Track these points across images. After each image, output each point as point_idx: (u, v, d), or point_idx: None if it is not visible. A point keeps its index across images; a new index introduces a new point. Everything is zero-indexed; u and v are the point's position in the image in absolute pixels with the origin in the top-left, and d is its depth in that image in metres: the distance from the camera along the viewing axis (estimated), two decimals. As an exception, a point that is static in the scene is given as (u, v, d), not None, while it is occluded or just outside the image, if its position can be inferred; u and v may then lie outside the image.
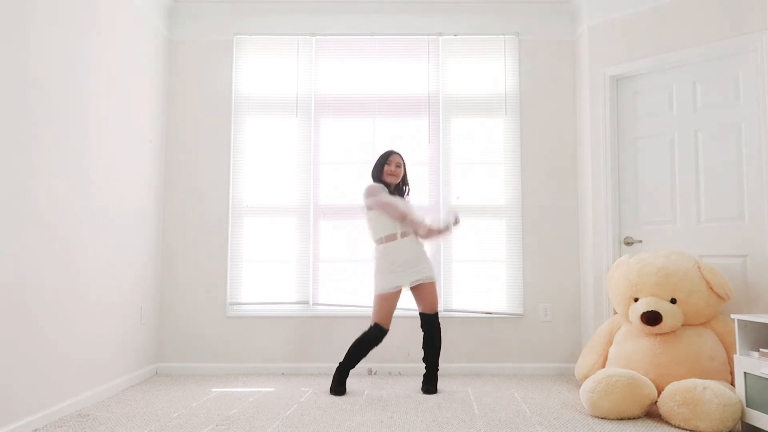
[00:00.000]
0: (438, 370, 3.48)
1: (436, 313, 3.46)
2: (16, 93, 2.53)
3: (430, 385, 3.41)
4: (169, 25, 4.19)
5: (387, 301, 3.38)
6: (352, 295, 4.02)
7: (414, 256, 3.43)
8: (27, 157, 2.61)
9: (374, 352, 3.72)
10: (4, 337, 2.45)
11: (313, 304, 4.07)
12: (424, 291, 3.44)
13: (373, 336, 3.37)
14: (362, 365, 3.91)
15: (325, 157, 4.18)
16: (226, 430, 2.65)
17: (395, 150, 3.64)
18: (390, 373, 3.94)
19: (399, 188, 3.61)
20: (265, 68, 4.24)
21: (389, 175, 3.54)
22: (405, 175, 3.65)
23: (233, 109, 4.18)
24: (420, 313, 3.46)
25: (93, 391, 3.13)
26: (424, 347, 3.46)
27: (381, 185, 3.51)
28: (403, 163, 3.61)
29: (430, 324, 3.44)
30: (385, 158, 3.57)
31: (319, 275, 4.10)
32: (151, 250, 3.90)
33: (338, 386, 3.38)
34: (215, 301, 4.06)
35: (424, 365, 3.48)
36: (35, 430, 2.62)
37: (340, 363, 3.43)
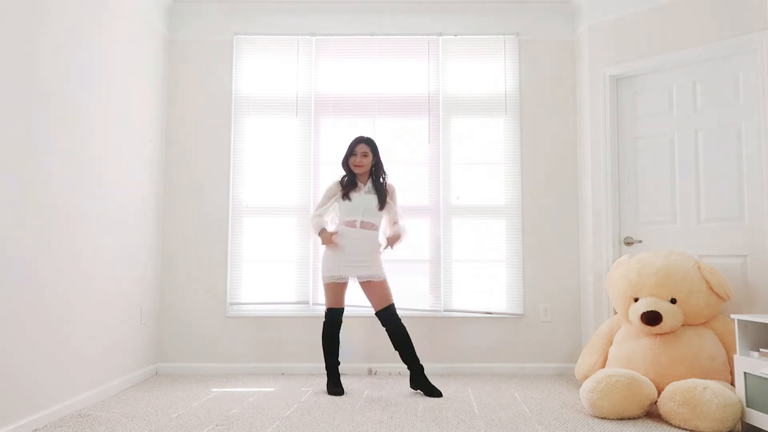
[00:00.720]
0: (422, 367, 3.40)
1: (390, 306, 3.38)
2: (24, 94, 2.54)
3: (431, 387, 3.35)
4: (169, 25, 4.19)
5: (332, 290, 3.44)
6: (352, 295, 4.00)
7: (360, 253, 3.40)
8: (39, 158, 2.62)
9: (374, 353, 3.73)
10: (4, 338, 2.45)
11: (313, 304, 4.07)
12: (369, 287, 3.41)
13: (329, 320, 3.41)
14: (362, 365, 3.92)
15: (325, 157, 4.17)
16: (226, 430, 2.65)
17: (364, 137, 3.55)
18: (390, 373, 3.94)
19: (373, 179, 3.52)
20: (265, 68, 4.23)
21: (354, 166, 3.49)
22: (378, 163, 3.54)
23: (233, 109, 4.18)
24: (376, 313, 3.41)
25: (93, 391, 3.13)
26: (395, 348, 3.40)
27: (335, 185, 3.52)
28: (372, 151, 3.51)
29: (386, 318, 3.37)
30: (351, 148, 3.52)
31: (318, 275, 4.08)
32: (151, 250, 3.90)
33: (334, 387, 3.39)
34: (215, 301, 4.06)
35: (407, 367, 3.41)
36: (35, 430, 2.62)
37: (325, 366, 3.46)
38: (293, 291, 4.08)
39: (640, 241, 3.67)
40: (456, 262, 4.09)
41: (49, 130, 2.77)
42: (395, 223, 3.52)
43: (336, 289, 3.43)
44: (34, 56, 2.65)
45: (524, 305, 4.05)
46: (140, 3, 3.74)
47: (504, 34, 4.20)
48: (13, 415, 2.50)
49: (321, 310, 4.03)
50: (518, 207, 4.10)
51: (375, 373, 3.95)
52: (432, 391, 3.33)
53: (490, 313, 4.04)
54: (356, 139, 3.55)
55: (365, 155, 3.49)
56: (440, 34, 4.20)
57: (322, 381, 3.68)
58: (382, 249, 3.48)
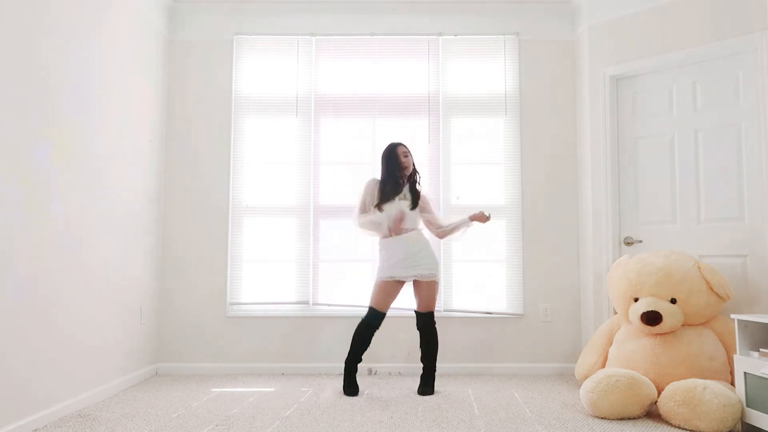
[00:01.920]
0: (435, 370, 3.46)
1: (430, 313, 3.44)
2: (25, 94, 2.54)
3: (425, 386, 3.39)
4: (169, 25, 4.19)
5: (380, 288, 3.42)
6: (352, 295, 4.01)
7: (411, 253, 3.41)
8: (40, 158, 2.61)
9: (374, 352, 3.73)
10: (4, 338, 2.45)
11: (313, 304, 4.07)
12: (420, 288, 3.44)
13: (369, 317, 3.39)
14: (362, 365, 3.90)
15: (325, 157, 4.18)
16: (226, 430, 2.65)
17: (396, 142, 3.59)
18: (390, 373, 3.94)
19: (410, 184, 3.56)
20: (265, 68, 4.23)
21: (405, 168, 3.51)
22: (413, 164, 3.59)
23: (233, 109, 4.18)
24: (415, 312, 3.47)
25: (93, 391, 3.13)
26: (420, 347, 3.47)
27: (373, 186, 3.51)
28: (409, 152, 3.58)
29: (423, 323, 3.43)
30: (392, 152, 3.52)
31: (319, 275, 4.09)
32: (150, 250, 3.90)
33: (349, 386, 3.38)
34: (215, 301, 4.05)
35: (422, 365, 3.47)
36: (35, 430, 2.62)
37: (346, 359, 3.43)
38: (293, 291, 4.08)
39: (640, 241, 3.67)
40: (456, 262, 4.09)
41: (50, 131, 2.77)
42: (440, 229, 3.60)
43: (387, 289, 3.41)
44: (34, 57, 2.65)
45: (524, 305, 4.05)
46: (140, 3, 3.74)
47: (504, 34, 4.20)
48: (13, 415, 2.50)
49: (321, 310, 4.05)
50: (518, 207, 4.10)
51: (375, 373, 3.95)
52: (424, 392, 3.37)
53: (490, 313, 4.04)
54: (391, 145, 3.56)
55: (406, 155, 3.54)
56: (440, 34, 4.20)
57: (322, 381, 3.69)
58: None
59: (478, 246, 4.10)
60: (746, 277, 3.22)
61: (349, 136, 4.19)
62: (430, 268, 3.43)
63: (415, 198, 3.54)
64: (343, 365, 3.47)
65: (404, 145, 3.59)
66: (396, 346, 3.93)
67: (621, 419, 2.80)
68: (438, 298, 4.01)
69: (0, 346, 2.43)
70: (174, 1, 4.17)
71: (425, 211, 3.59)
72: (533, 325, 4.04)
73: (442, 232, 3.60)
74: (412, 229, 3.50)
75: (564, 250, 4.08)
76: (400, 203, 3.49)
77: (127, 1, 3.58)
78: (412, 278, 3.42)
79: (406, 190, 3.54)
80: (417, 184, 3.60)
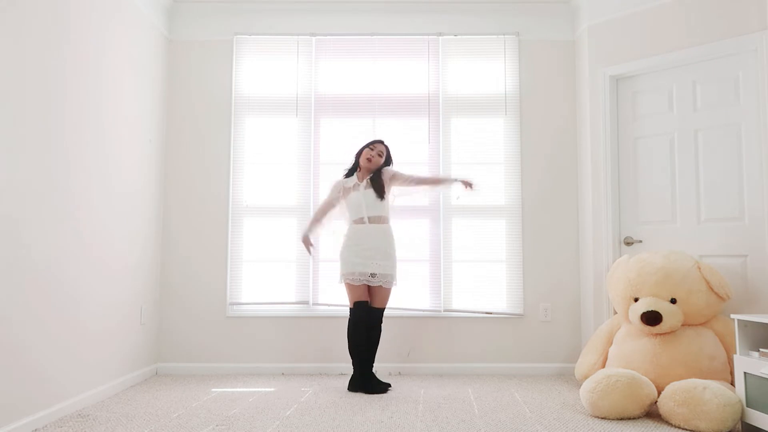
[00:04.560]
0: (371, 365, 3.44)
1: (380, 309, 3.47)
2: (27, 93, 2.54)
3: (379, 385, 3.42)
4: (169, 25, 4.19)
5: (348, 289, 3.50)
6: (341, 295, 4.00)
7: (366, 249, 3.46)
8: (55, 158, 2.62)
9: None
10: (4, 338, 2.45)
11: (313, 304, 4.07)
12: (371, 289, 3.48)
13: (356, 314, 3.43)
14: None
15: (325, 157, 4.18)
16: (226, 430, 2.65)
17: (370, 141, 3.67)
18: (390, 373, 3.94)
19: (372, 177, 3.56)
20: (265, 68, 4.23)
21: (367, 159, 3.57)
22: (382, 167, 3.63)
23: (233, 109, 4.18)
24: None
25: (93, 391, 3.13)
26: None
27: (337, 185, 3.62)
28: (386, 156, 3.64)
29: (376, 318, 3.46)
30: (370, 143, 3.63)
31: (319, 275, 4.09)
32: (150, 250, 3.90)
33: (379, 383, 3.42)
34: (215, 301, 4.05)
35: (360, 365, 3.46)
36: (35, 430, 2.62)
37: (363, 366, 3.42)
38: (293, 291, 4.08)
39: (640, 241, 3.67)
40: (456, 262, 4.09)
41: (49, 131, 2.77)
42: (421, 180, 3.62)
43: (352, 288, 3.46)
44: (33, 57, 2.65)
45: (524, 305, 4.05)
46: (140, 3, 3.74)
47: (504, 34, 4.20)
48: (13, 415, 2.50)
49: (321, 310, 4.06)
50: (518, 207, 4.10)
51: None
52: (377, 388, 3.39)
53: (490, 313, 4.04)
54: (377, 140, 3.70)
55: (380, 155, 3.60)
56: (440, 34, 4.20)
57: (322, 381, 3.69)
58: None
59: (478, 245, 4.10)
60: (746, 277, 3.22)
61: (349, 136, 4.18)
62: (383, 275, 3.42)
63: (379, 188, 3.51)
64: (347, 364, 3.47)
65: (386, 146, 3.66)
66: (396, 346, 3.93)
67: (621, 419, 2.80)
68: (438, 298, 4.04)
69: (0, 348, 2.43)
70: (174, 1, 4.17)
71: (400, 178, 3.57)
72: (533, 325, 4.04)
73: (427, 185, 3.64)
74: (380, 218, 3.49)
75: (564, 250, 4.08)
76: (366, 192, 3.50)
77: (127, 2, 3.58)
78: (364, 282, 3.42)
79: (366, 181, 3.54)
80: (381, 173, 3.59)
